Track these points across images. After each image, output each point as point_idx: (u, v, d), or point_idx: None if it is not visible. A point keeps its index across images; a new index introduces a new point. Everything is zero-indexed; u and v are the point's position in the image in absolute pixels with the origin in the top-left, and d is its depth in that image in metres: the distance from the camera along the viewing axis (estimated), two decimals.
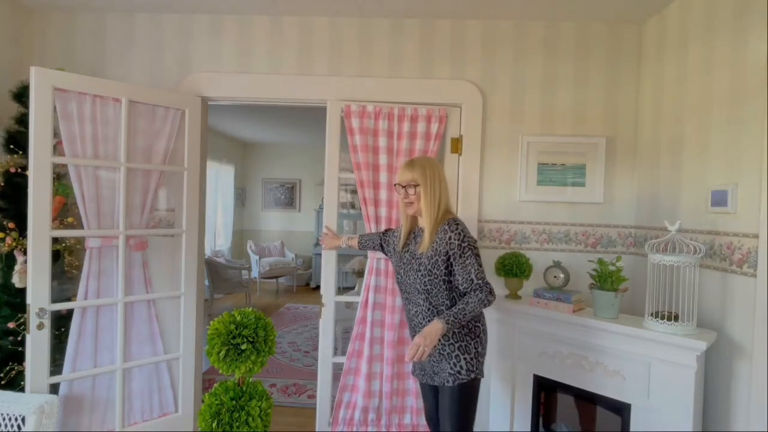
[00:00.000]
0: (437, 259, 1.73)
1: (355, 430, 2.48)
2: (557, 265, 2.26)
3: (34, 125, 1.96)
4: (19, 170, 2.21)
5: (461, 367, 1.73)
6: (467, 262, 1.70)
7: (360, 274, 5.84)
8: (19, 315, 2.17)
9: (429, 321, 1.76)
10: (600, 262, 2.05)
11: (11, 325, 2.15)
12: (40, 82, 1.97)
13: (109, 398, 2.28)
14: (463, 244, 1.70)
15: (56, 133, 2.37)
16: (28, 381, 1.98)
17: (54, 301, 2.07)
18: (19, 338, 2.16)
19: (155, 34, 2.57)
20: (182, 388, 2.48)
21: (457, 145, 2.52)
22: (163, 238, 2.47)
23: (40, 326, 2.00)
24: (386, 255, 2.14)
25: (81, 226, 2.20)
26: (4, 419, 1.41)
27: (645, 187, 2.42)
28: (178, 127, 2.41)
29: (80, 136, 2.15)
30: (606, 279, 2.02)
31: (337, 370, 2.56)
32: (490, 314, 2.41)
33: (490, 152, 2.53)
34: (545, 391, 2.28)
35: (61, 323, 2.28)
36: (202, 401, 1.47)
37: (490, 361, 2.45)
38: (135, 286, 2.36)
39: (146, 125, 2.31)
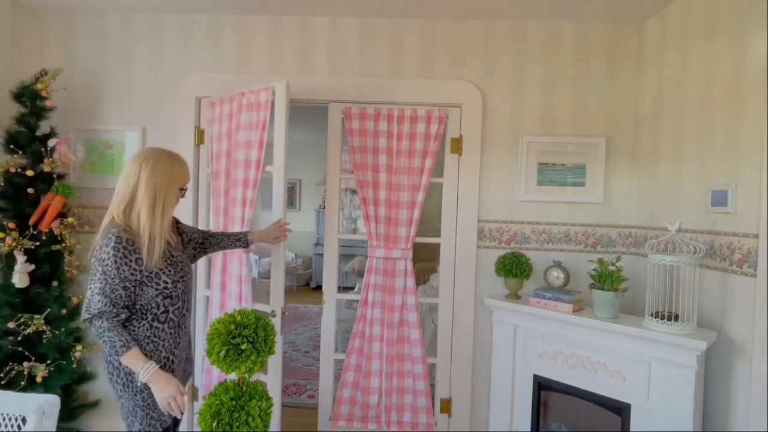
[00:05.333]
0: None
1: (355, 425, 2.49)
2: (557, 265, 2.26)
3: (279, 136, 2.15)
4: (19, 170, 2.21)
5: None
6: None
7: (360, 274, 5.84)
8: (19, 315, 2.18)
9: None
10: (600, 262, 2.05)
11: (11, 325, 2.15)
12: (280, 95, 2.13)
13: None
14: None
15: (55, 134, 2.38)
16: None
17: None
18: (19, 338, 2.16)
19: (155, 34, 2.57)
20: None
21: (457, 145, 2.52)
22: None
23: None
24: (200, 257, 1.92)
25: (82, 227, 2.19)
26: (4, 419, 1.41)
27: (645, 187, 2.42)
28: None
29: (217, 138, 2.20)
30: (606, 279, 2.02)
31: (338, 369, 2.58)
32: (490, 314, 2.42)
33: (490, 152, 2.53)
34: (545, 391, 2.28)
35: None
36: (202, 401, 1.47)
37: (489, 363, 2.45)
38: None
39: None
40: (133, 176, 1.49)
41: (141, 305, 1.51)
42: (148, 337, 1.51)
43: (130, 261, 1.45)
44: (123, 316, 1.46)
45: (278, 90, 2.14)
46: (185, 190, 1.63)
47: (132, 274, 1.46)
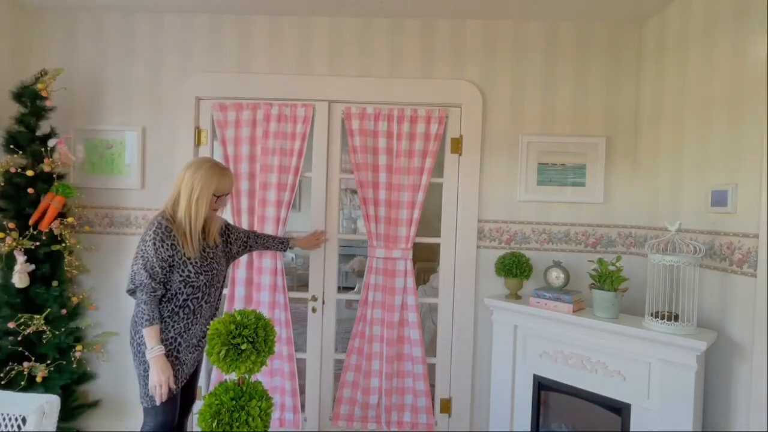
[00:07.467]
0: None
1: (355, 425, 2.49)
2: (557, 265, 2.26)
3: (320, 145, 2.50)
4: (19, 170, 2.21)
5: None
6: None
7: (360, 274, 5.83)
8: (19, 315, 2.18)
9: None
10: (600, 262, 2.05)
11: (11, 325, 2.15)
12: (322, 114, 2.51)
13: None
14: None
15: (55, 134, 2.37)
16: None
17: None
18: (19, 338, 2.16)
19: (155, 34, 2.57)
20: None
21: (457, 145, 2.52)
22: None
23: None
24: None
25: (82, 227, 2.19)
26: (4, 419, 1.41)
27: (645, 187, 2.42)
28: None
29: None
30: (606, 279, 2.02)
31: (338, 369, 2.58)
32: (490, 314, 2.42)
33: (490, 152, 2.52)
34: (545, 391, 2.28)
35: None
36: (202, 401, 1.48)
37: (489, 363, 2.45)
38: None
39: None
40: (180, 178, 1.79)
41: (166, 288, 1.75)
42: (163, 316, 1.75)
43: (167, 245, 1.71)
44: (159, 292, 1.72)
45: (319, 109, 2.50)
46: (221, 197, 1.84)
47: (169, 256, 1.72)
